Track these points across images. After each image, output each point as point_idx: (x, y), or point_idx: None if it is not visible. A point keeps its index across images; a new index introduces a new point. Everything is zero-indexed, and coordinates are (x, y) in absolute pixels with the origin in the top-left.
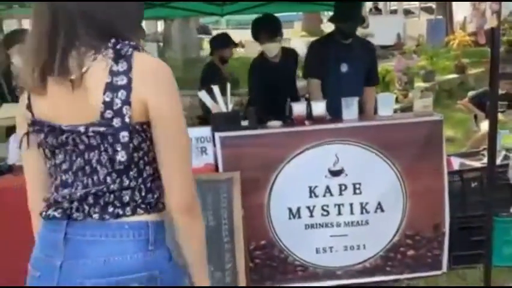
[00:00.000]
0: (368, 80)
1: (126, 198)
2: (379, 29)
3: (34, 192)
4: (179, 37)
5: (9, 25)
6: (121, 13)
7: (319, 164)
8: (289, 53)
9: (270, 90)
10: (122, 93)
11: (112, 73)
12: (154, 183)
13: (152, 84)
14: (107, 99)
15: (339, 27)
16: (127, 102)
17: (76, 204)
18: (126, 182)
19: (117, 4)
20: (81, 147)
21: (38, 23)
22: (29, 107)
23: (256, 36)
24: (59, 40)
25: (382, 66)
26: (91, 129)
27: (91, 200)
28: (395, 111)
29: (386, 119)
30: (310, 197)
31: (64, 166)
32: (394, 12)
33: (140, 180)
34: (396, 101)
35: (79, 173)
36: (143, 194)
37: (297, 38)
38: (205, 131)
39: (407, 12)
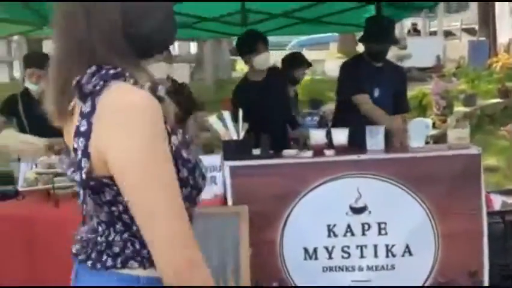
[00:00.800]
0: (397, 107)
1: (116, 249)
2: (417, 51)
3: None
4: (211, 58)
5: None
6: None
7: (339, 199)
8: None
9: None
10: (81, 142)
11: (81, 114)
12: None
13: (113, 127)
14: (75, 146)
15: (369, 48)
16: (85, 153)
17: (81, 245)
18: (112, 235)
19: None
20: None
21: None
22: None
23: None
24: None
25: (419, 89)
26: (74, 175)
27: (90, 244)
28: (431, 137)
29: (416, 151)
30: (329, 236)
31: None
32: (434, 33)
33: (128, 233)
34: (434, 126)
35: (83, 218)
36: (137, 247)
37: (332, 59)
38: (215, 159)
39: (448, 34)
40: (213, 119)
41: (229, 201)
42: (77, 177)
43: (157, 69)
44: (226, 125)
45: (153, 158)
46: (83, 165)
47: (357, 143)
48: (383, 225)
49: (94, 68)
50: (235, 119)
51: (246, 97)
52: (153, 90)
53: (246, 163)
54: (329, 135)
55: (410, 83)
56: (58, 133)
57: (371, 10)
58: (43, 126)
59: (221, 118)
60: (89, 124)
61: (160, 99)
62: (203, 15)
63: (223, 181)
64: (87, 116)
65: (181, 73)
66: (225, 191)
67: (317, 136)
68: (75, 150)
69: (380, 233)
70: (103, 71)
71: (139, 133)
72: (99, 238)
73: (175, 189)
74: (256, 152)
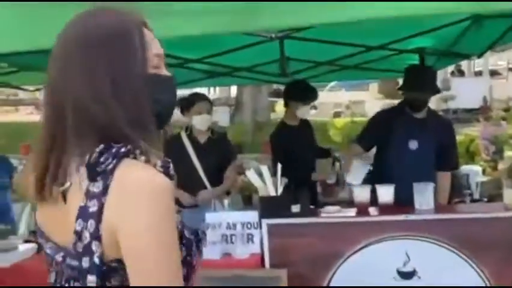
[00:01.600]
0: (442, 164)
1: None
2: (462, 92)
3: None
4: (250, 101)
5: None
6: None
7: (385, 263)
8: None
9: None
10: (91, 224)
11: (88, 194)
12: None
13: (124, 208)
14: (78, 228)
15: (409, 97)
16: (95, 236)
17: None
18: None
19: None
20: (64, 272)
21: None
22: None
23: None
24: (55, 140)
25: (465, 133)
26: (67, 260)
27: None
28: (483, 184)
29: (469, 212)
30: None
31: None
32: (479, 73)
33: None
34: (483, 173)
35: None
36: None
37: (372, 100)
38: (252, 215)
39: (494, 73)
40: (250, 173)
41: (267, 262)
42: (84, 262)
43: (200, 121)
44: (264, 180)
45: (169, 244)
46: (94, 249)
47: (402, 200)
48: None
49: (102, 146)
50: (274, 166)
51: (282, 141)
52: (165, 168)
53: (285, 221)
54: (373, 192)
55: (456, 124)
56: None
57: (413, 56)
58: None
59: (259, 172)
60: (101, 205)
61: (171, 178)
62: (243, 65)
63: (261, 239)
64: (98, 197)
65: (221, 116)
66: (263, 250)
67: (361, 193)
68: (78, 232)
69: None
70: (114, 149)
71: (147, 214)
72: None
73: (181, 276)
74: (295, 208)
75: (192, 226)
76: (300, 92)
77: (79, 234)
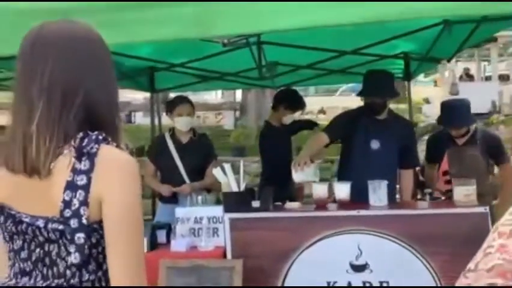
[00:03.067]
0: (404, 162)
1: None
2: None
3: None
4: (255, 105)
5: (121, 93)
6: (109, 97)
7: (339, 256)
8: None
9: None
10: (80, 194)
11: (74, 171)
12: None
13: (111, 182)
14: (67, 198)
15: (368, 101)
16: (84, 203)
17: None
18: (86, 276)
19: (109, 85)
20: (40, 238)
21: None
22: None
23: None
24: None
25: None
26: (49, 225)
27: None
28: None
29: (420, 208)
30: None
31: (23, 254)
32: (489, 78)
33: (100, 273)
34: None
35: (38, 264)
36: (103, 284)
37: None
38: (218, 210)
39: (504, 78)
40: (216, 171)
41: (228, 254)
42: (73, 224)
43: (181, 122)
44: (227, 177)
45: (141, 212)
46: (82, 212)
47: (365, 198)
48: (385, 284)
49: (81, 133)
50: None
51: (266, 140)
52: (129, 151)
53: (245, 215)
54: (331, 188)
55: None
56: None
57: (398, 62)
58: None
59: (223, 169)
60: (89, 179)
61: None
62: (225, 70)
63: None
64: (86, 172)
65: (226, 120)
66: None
67: (319, 190)
68: (66, 201)
69: None
70: (93, 136)
71: (134, 187)
72: (66, 283)
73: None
74: (255, 204)
75: (166, 219)
76: (290, 102)
77: (67, 203)
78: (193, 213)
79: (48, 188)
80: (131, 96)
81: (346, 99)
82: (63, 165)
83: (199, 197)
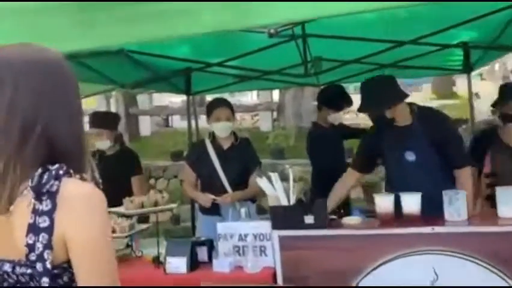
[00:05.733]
0: (451, 162)
1: None
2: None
3: None
4: (293, 105)
5: (143, 101)
6: (73, 127)
7: (410, 280)
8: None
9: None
10: (43, 237)
11: (36, 212)
12: None
13: (74, 221)
14: (30, 241)
15: (371, 115)
16: (48, 246)
17: None
18: None
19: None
20: (11, 281)
21: None
22: None
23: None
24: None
25: None
26: (17, 269)
27: None
28: None
29: (508, 224)
30: None
31: None
32: None
33: None
34: None
35: None
36: None
37: (425, 102)
38: (265, 226)
39: None
40: (262, 181)
41: (279, 277)
42: (39, 268)
43: (219, 127)
44: (275, 188)
45: (109, 245)
46: (46, 257)
47: (433, 211)
48: None
49: (40, 170)
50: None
51: (313, 140)
52: (96, 182)
53: (297, 233)
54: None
55: None
56: None
57: (456, 52)
58: None
59: (271, 180)
60: (51, 220)
61: (99, 186)
62: (266, 69)
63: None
64: (48, 213)
65: (263, 121)
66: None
67: (385, 203)
68: (30, 245)
69: None
70: (53, 172)
71: (99, 220)
72: None
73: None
74: (309, 219)
75: (207, 233)
76: (332, 99)
77: (31, 246)
78: (237, 230)
79: (11, 231)
80: (168, 99)
81: None
82: (23, 206)
83: (243, 209)
